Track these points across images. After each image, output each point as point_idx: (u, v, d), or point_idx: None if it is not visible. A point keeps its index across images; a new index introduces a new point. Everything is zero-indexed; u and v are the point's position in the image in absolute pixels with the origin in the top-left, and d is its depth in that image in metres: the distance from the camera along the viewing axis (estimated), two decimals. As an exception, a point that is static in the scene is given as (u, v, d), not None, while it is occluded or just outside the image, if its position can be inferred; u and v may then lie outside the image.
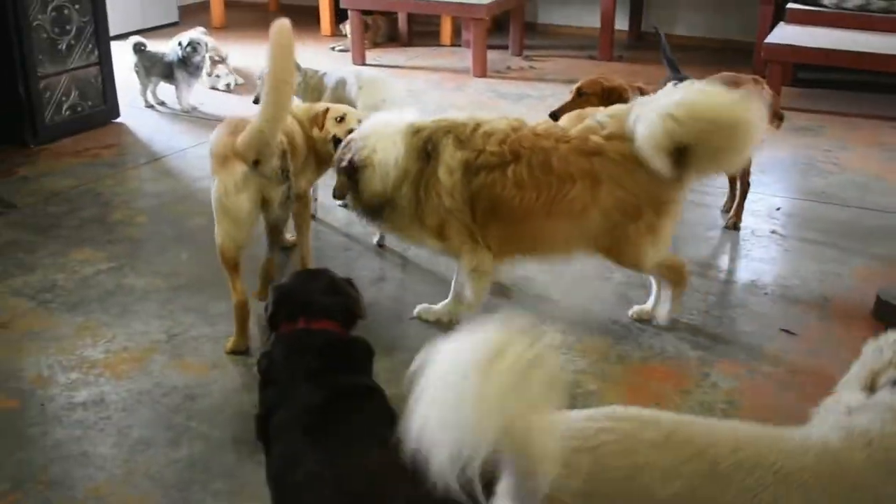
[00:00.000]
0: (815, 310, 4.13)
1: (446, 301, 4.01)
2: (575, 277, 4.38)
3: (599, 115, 3.74)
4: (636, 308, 4.03)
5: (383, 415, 2.76)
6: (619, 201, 3.56)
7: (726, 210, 5.19)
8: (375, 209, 3.79)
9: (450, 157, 3.62)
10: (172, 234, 4.84)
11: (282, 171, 3.64)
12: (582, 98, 4.62)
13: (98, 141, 6.45)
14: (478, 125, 3.69)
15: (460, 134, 3.66)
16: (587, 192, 3.55)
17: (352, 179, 3.73)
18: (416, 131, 3.72)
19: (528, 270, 4.43)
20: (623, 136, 3.53)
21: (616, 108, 3.81)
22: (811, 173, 5.97)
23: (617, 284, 4.35)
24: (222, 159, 3.59)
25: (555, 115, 4.55)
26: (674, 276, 3.84)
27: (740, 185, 5.01)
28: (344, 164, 3.73)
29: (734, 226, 5.02)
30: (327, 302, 2.87)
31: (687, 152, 3.41)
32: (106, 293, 4.18)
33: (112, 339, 3.78)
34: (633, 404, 3.25)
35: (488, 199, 3.63)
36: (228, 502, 2.83)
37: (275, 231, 3.84)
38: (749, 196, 5.06)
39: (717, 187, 5.54)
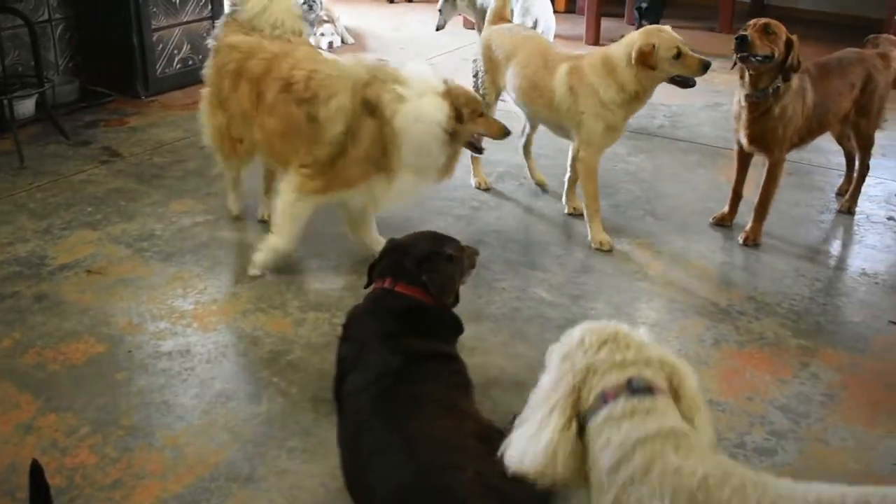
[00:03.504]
0: (931, 303, 3.89)
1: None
2: (675, 255, 4.23)
3: None
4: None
5: (458, 383, 2.70)
6: None
7: (841, 193, 4.94)
8: None
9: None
10: (270, 190, 4.84)
11: None
12: (770, 37, 3.95)
13: (206, 95, 6.51)
14: None
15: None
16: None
17: None
18: None
19: (625, 246, 4.30)
20: None
21: None
22: (937, 158, 5.63)
23: (720, 265, 4.18)
24: None
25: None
26: None
27: (859, 167, 4.75)
28: None
29: (848, 210, 4.77)
30: (417, 269, 2.81)
31: None
32: (201, 245, 4.21)
33: (202, 291, 3.80)
34: (726, 391, 3.17)
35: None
36: (302, 461, 2.80)
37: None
38: (867, 180, 4.79)
39: (833, 169, 5.29)
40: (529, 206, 4.73)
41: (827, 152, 5.41)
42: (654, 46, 3.91)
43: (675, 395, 1.81)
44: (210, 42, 4.19)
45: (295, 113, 3.71)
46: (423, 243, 2.93)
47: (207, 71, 4.16)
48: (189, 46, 6.59)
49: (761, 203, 4.32)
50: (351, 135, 3.64)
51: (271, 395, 3.13)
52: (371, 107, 3.60)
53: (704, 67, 3.92)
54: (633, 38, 4.01)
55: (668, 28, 4.01)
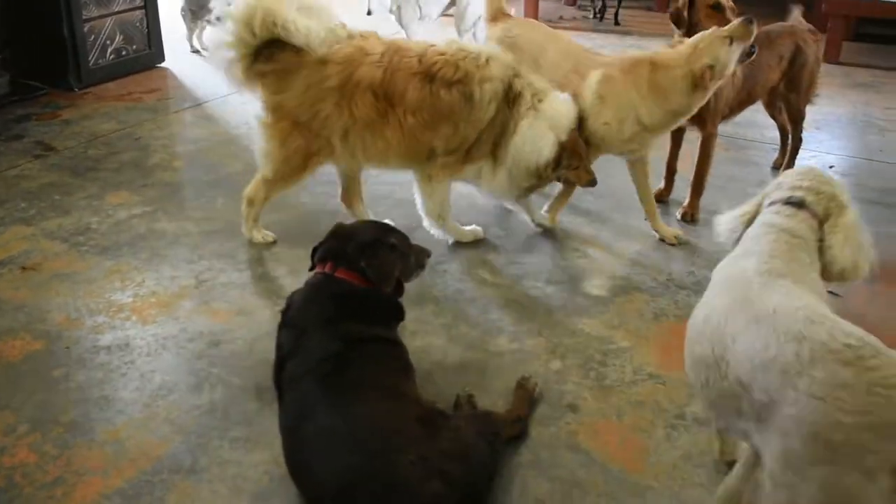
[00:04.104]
0: (864, 272, 3.96)
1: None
2: (615, 232, 4.26)
3: None
4: None
5: (399, 367, 2.70)
6: None
7: (776, 167, 5.02)
8: None
9: None
10: (208, 180, 4.80)
11: None
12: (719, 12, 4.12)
13: (141, 85, 6.43)
14: None
15: None
16: None
17: None
18: None
19: (566, 224, 4.33)
20: None
21: None
22: (869, 131, 5.74)
23: (659, 241, 4.21)
24: None
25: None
26: None
27: (791, 140, 4.83)
28: None
29: (784, 183, 4.84)
30: (358, 255, 2.80)
31: None
32: (138, 237, 4.15)
33: (141, 284, 3.75)
34: (666, 364, 3.20)
35: None
36: (245, 450, 2.78)
37: None
38: (802, 153, 4.88)
39: (767, 143, 5.36)
40: (469, 191, 4.72)
41: (762, 127, 5.49)
42: (711, 67, 3.73)
43: (830, 224, 2.41)
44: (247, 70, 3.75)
45: (446, 97, 3.74)
46: (368, 231, 2.92)
47: (276, 98, 3.78)
48: (122, 37, 6.50)
49: (697, 178, 4.37)
50: (492, 120, 3.79)
51: (213, 385, 3.11)
52: (513, 96, 3.79)
53: (749, 31, 3.76)
54: (684, 61, 3.77)
55: (706, 34, 3.81)
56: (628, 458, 2.78)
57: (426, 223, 4.07)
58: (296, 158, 3.88)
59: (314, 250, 2.94)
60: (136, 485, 2.64)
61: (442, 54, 3.76)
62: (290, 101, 3.77)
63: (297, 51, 3.70)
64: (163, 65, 6.87)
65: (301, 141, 3.83)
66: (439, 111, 3.75)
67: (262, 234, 4.10)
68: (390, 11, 6.71)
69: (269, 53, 3.73)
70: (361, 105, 3.73)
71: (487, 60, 3.77)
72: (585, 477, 2.69)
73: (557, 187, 4.28)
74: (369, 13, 6.72)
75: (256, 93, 3.85)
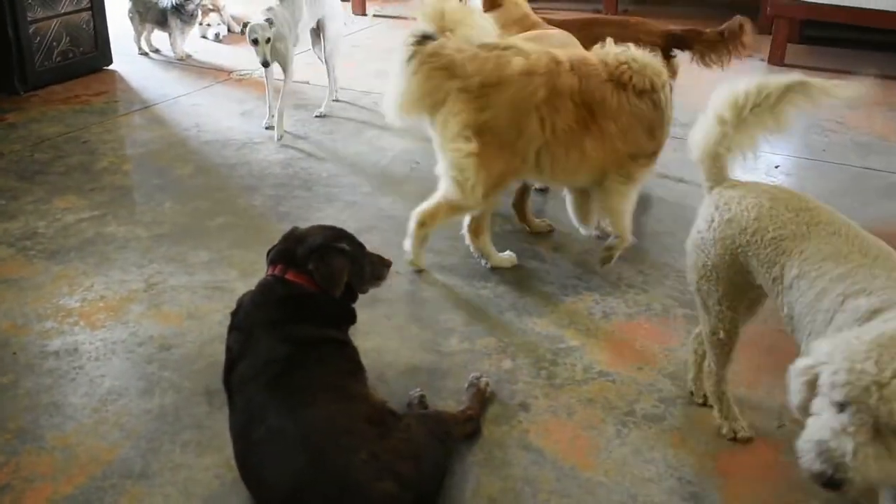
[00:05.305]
0: (809, 269, 4.04)
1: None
2: (565, 234, 4.30)
3: None
4: None
5: (349, 368, 2.71)
6: None
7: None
8: None
9: None
10: (157, 183, 4.76)
11: None
12: None
13: (89, 88, 6.36)
14: None
15: None
16: None
17: None
18: None
19: (517, 226, 4.36)
20: None
21: None
22: (813, 132, 5.85)
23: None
24: None
25: None
26: None
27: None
28: None
29: (731, 183, 4.91)
30: (307, 258, 2.79)
31: None
32: (86, 241, 4.11)
33: (89, 288, 3.72)
34: (616, 362, 3.24)
35: None
36: (196, 454, 2.77)
37: None
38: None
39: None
40: (420, 191, 4.74)
41: (709, 128, 5.56)
42: None
43: None
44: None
45: (639, 105, 3.63)
46: (319, 235, 2.90)
47: (482, 118, 3.52)
48: (69, 38, 6.41)
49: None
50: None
51: (163, 389, 3.09)
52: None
53: None
54: None
55: None
56: (579, 455, 2.81)
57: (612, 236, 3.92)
58: (498, 182, 3.70)
59: (268, 253, 2.94)
60: (87, 491, 2.62)
61: (623, 63, 3.64)
62: (497, 119, 3.54)
63: (497, 63, 3.53)
64: (110, 67, 6.79)
65: (503, 165, 3.63)
66: (636, 120, 3.64)
67: (422, 260, 3.95)
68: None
69: (461, 68, 3.53)
70: (564, 115, 3.57)
71: (658, 69, 3.71)
72: (537, 475, 2.72)
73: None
74: (266, 65, 5.85)
75: (443, 114, 3.58)
